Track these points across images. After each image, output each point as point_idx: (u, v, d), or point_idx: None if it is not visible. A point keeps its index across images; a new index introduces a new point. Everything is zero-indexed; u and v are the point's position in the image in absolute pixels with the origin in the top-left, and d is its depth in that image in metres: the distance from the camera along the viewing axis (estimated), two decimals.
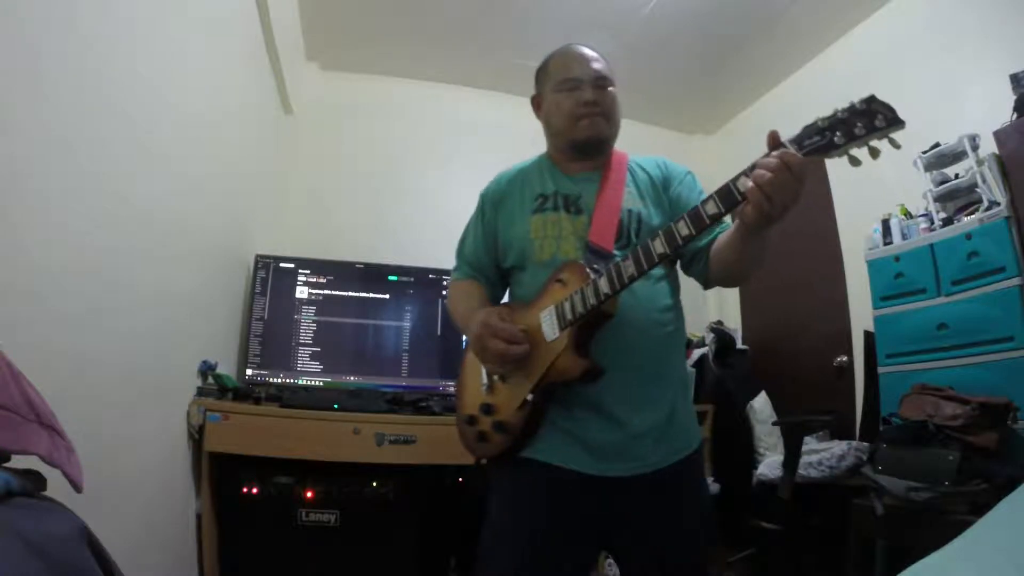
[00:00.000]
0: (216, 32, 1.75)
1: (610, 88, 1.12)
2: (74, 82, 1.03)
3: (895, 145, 0.76)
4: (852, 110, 0.76)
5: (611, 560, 2.03)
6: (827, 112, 0.77)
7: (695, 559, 1.03)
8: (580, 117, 1.09)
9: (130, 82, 1.23)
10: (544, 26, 2.82)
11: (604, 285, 0.92)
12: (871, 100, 0.75)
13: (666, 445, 1.01)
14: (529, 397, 0.99)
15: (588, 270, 0.98)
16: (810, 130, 0.78)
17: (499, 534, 1.02)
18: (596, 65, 1.12)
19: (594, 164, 1.14)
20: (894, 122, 0.74)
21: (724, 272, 1.03)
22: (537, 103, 1.21)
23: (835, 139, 0.76)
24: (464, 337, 2.45)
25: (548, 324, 0.99)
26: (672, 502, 1.01)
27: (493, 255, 1.19)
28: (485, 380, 1.08)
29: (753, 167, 0.80)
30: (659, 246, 0.88)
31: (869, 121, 0.75)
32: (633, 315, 1.00)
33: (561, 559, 0.97)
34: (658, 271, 1.05)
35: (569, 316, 0.95)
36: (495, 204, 1.19)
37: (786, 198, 0.79)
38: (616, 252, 1.02)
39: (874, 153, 0.76)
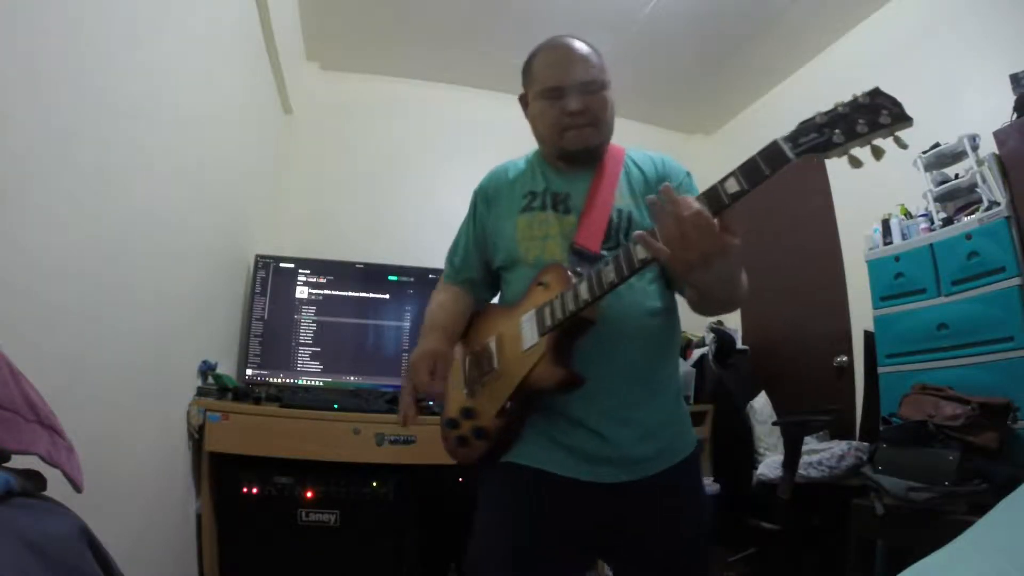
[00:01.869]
0: (216, 32, 1.75)
1: (601, 92, 1.01)
2: (74, 82, 1.03)
3: (901, 145, 0.68)
4: (854, 104, 0.68)
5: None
6: (828, 107, 0.70)
7: (694, 566, 0.99)
8: (566, 128, 1.01)
9: (130, 82, 1.23)
10: (544, 26, 2.78)
11: (584, 291, 0.86)
12: (875, 93, 0.68)
13: (656, 453, 0.97)
14: (507, 405, 0.95)
15: (570, 274, 0.93)
16: (807, 127, 0.70)
17: (483, 540, 0.97)
18: (583, 67, 1.01)
19: (586, 165, 1.08)
20: (900, 118, 0.66)
21: (696, 303, 0.97)
22: (524, 102, 1.11)
23: (834, 137, 0.68)
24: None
25: (528, 329, 0.95)
26: (669, 507, 0.96)
27: (483, 255, 1.14)
28: (465, 385, 1.05)
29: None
30: (640, 251, 0.80)
31: (873, 117, 0.67)
32: (618, 320, 0.94)
33: (546, 564, 0.92)
34: (650, 273, 1.00)
35: (548, 322, 0.90)
36: (487, 201, 1.14)
37: (689, 254, 0.72)
38: (604, 253, 0.97)
39: (877, 153, 0.69)
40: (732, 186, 0.73)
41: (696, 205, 0.72)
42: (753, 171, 0.71)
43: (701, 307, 0.96)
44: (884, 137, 0.68)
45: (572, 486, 0.93)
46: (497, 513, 0.98)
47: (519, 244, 1.04)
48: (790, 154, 0.70)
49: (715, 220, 0.72)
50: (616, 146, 1.10)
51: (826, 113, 0.70)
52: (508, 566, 0.91)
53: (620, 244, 0.98)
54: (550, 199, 1.05)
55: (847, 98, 0.70)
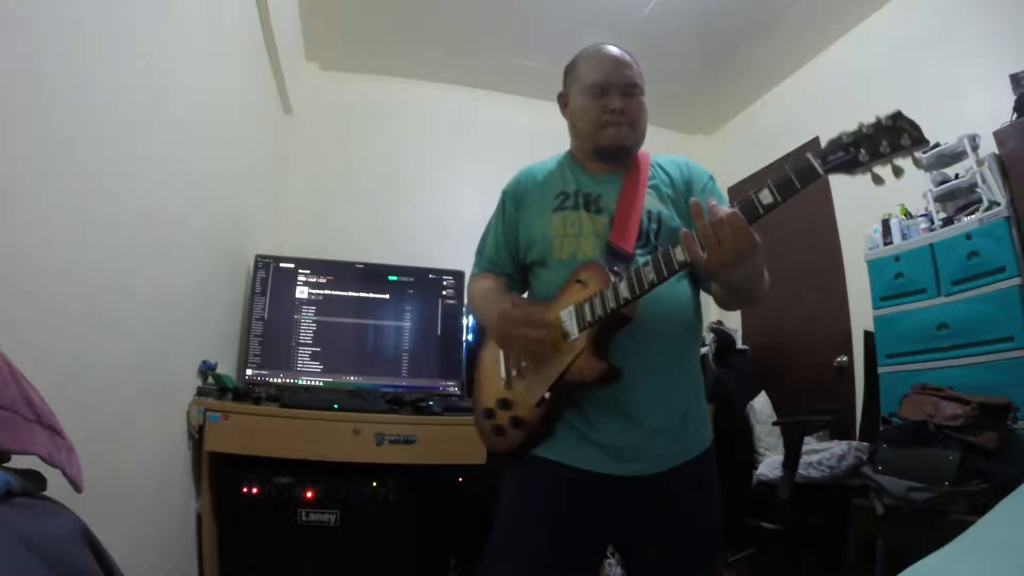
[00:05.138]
0: (216, 32, 1.75)
1: (640, 97, 1.10)
2: (74, 82, 1.03)
3: (918, 165, 0.74)
4: (878, 126, 0.74)
5: (611, 560, 2.03)
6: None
7: (705, 558, 1.03)
8: (605, 124, 1.08)
9: (130, 82, 1.23)
10: (544, 26, 2.82)
11: (624, 290, 0.91)
12: (897, 116, 0.73)
13: (680, 444, 1.02)
14: (546, 395, 0.99)
15: (608, 272, 0.97)
16: (834, 145, 0.76)
17: (510, 531, 1.01)
18: (627, 71, 1.09)
19: (617, 166, 1.14)
20: (919, 141, 0.72)
21: (722, 299, 1.07)
22: (563, 101, 1.19)
23: (860, 156, 0.74)
24: (471, 334, 2.47)
25: (568, 324, 0.99)
26: (689, 500, 1.01)
27: (514, 252, 1.19)
28: (503, 374, 1.08)
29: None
30: (680, 253, 0.86)
31: (895, 139, 0.72)
32: (653, 314, 0.99)
33: (571, 557, 0.97)
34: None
35: (589, 318, 0.95)
36: (517, 201, 1.19)
37: (725, 253, 0.79)
38: (636, 253, 1.02)
39: (897, 172, 0.74)
40: (766, 197, 0.79)
41: (729, 210, 0.80)
42: (786, 185, 0.78)
43: (728, 302, 1.07)
44: (904, 157, 0.74)
45: (596, 480, 0.98)
46: (520, 509, 1.02)
47: (553, 241, 1.09)
48: (820, 170, 0.76)
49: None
50: (642, 151, 1.16)
51: (851, 133, 0.75)
52: (530, 562, 0.96)
53: (650, 243, 1.05)
54: (582, 199, 1.10)
55: (871, 119, 0.75)
